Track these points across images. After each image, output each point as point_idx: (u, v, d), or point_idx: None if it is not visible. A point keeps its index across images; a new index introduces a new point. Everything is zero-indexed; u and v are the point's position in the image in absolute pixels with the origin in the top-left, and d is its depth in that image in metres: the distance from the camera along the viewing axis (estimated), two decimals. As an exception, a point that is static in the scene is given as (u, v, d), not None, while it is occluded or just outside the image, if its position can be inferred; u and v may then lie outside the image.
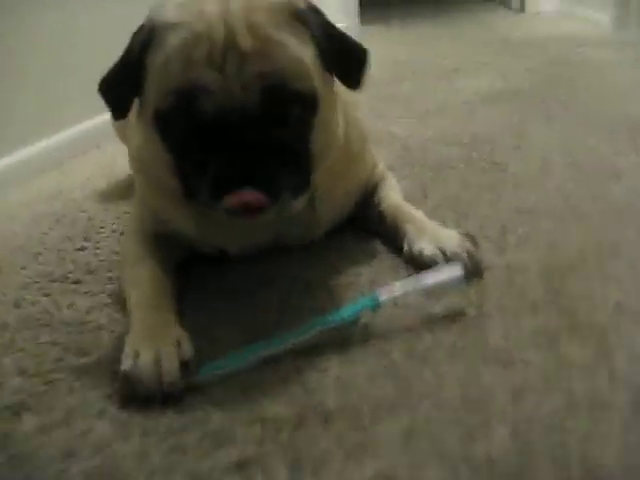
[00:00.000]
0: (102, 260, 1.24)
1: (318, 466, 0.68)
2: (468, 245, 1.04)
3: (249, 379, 0.83)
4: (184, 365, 0.82)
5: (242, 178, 0.86)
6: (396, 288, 0.91)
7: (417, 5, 6.39)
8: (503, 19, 4.53)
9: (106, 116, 1.75)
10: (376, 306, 0.89)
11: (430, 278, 0.93)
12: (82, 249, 1.31)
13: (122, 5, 2.15)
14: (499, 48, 3.07)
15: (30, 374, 0.90)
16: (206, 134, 0.86)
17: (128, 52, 0.94)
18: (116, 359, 0.86)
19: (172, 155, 0.92)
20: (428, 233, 1.07)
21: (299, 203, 0.95)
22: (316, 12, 0.95)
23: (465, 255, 1.02)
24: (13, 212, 1.62)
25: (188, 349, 0.84)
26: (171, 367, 0.81)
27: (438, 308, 0.94)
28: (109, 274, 1.18)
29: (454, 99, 2.19)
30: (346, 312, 0.89)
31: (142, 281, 0.98)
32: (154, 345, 0.83)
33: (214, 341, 0.92)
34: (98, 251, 1.29)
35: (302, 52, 0.90)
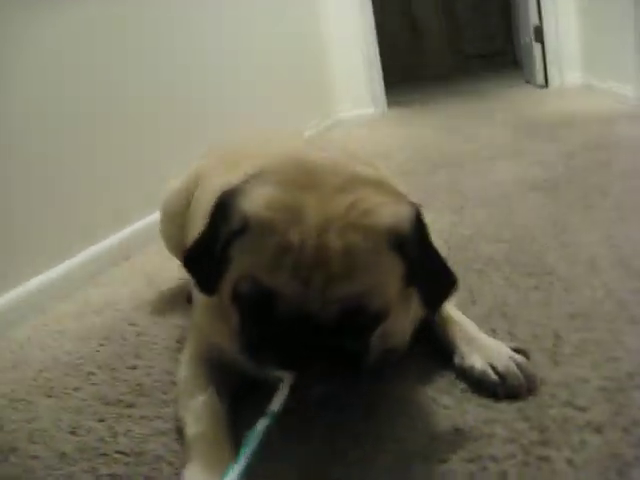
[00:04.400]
0: (156, 381, 1.25)
1: None
2: (520, 360, 1.03)
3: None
4: None
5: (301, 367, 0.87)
6: (279, 394, 0.87)
7: (440, 86, 6.55)
8: (528, 96, 4.61)
9: (148, 220, 1.81)
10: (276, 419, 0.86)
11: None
12: (134, 368, 1.32)
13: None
14: (530, 130, 3.11)
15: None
16: (277, 324, 0.88)
17: (212, 233, 0.95)
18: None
19: (242, 324, 0.93)
20: (478, 348, 1.07)
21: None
22: (419, 231, 0.92)
23: (517, 371, 1.01)
24: (62, 326, 1.65)
25: None
26: None
27: (498, 430, 0.92)
28: (164, 396, 1.18)
29: (491, 190, 2.21)
30: (255, 441, 0.82)
31: (200, 413, 0.97)
32: None
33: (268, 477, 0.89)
34: (151, 370, 1.30)
35: (388, 276, 0.90)
